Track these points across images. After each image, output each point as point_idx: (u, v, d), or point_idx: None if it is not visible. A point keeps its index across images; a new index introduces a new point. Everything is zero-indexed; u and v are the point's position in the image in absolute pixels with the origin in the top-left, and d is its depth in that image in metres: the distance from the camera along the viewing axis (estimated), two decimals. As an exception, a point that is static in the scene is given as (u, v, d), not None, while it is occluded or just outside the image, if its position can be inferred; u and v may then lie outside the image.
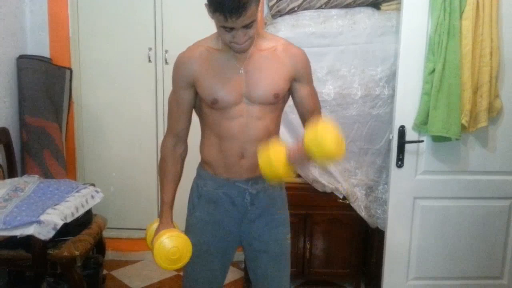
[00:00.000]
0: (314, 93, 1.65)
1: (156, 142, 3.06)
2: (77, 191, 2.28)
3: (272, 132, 1.59)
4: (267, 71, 1.52)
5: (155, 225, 1.62)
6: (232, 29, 1.38)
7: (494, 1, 2.18)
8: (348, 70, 2.50)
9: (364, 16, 2.49)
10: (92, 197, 2.33)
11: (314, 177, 2.54)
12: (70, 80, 2.85)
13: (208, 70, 1.52)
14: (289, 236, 1.70)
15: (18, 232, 1.96)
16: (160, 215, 1.61)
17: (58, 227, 2.00)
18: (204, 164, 1.65)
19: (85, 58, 3.00)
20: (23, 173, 2.65)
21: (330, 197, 2.57)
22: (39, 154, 2.68)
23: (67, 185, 2.33)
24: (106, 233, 2.58)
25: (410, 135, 2.30)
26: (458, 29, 2.16)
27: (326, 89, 2.50)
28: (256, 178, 1.59)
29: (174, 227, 1.59)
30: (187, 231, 1.67)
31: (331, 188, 2.54)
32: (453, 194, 2.40)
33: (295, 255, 2.47)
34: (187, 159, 1.68)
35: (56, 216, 2.02)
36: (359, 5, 2.52)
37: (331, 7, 2.51)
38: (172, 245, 1.48)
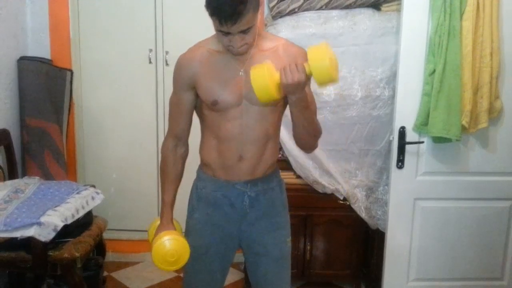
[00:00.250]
0: (311, 93, 1.64)
1: (156, 143, 3.06)
2: (77, 193, 2.28)
3: (271, 135, 1.58)
4: None
5: (157, 223, 1.63)
6: (228, 33, 1.38)
7: (495, 2, 2.18)
8: (349, 71, 2.50)
9: (365, 17, 2.49)
10: (93, 198, 2.33)
11: (314, 178, 2.53)
12: (71, 82, 2.85)
13: (209, 72, 1.52)
14: (289, 239, 1.69)
15: (18, 234, 1.96)
16: (161, 216, 1.62)
17: (59, 228, 2.00)
18: (203, 166, 1.65)
19: (85, 60, 3.00)
20: (24, 174, 2.65)
21: (330, 198, 2.57)
22: (39, 155, 2.68)
23: (68, 186, 2.33)
24: (106, 235, 2.57)
25: (410, 136, 2.30)
26: (458, 30, 2.16)
27: (326, 90, 2.50)
28: (256, 180, 1.59)
29: (174, 227, 1.60)
30: (187, 233, 1.67)
31: (331, 189, 2.54)
32: (453, 195, 2.40)
33: (295, 256, 2.47)
34: (187, 161, 1.68)
35: (56, 218, 2.02)
36: (360, 6, 2.52)
37: (332, 8, 2.51)
38: (170, 247, 1.50)
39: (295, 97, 1.40)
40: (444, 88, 2.18)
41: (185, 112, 1.60)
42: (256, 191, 1.60)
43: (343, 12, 2.51)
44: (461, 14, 2.16)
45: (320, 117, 2.47)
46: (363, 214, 2.56)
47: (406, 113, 2.28)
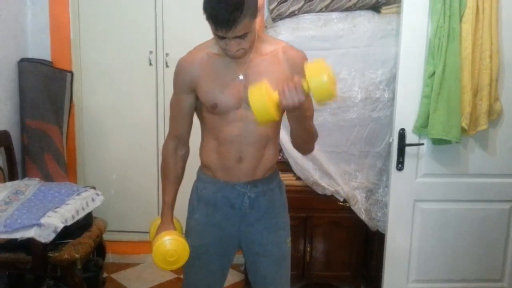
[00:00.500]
0: (309, 97, 1.64)
1: (156, 145, 3.06)
2: (77, 194, 2.28)
3: (271, 137, 1.59)
4: (266, 76, 1.50)
5: (158, 222, 1.65)
6: (224, 37, 1.39)
7: (494, 5, 2.18)
8: (349, 73, 2.50)
9: (364, 19, 2.50)
10: (93, 200, 2.33)
11: (314, 180, 2.54)
12: (71, 83, 2.86)
13: (208, 75, 1.53)
14: (289, 240, 1.70)
15: (18, 235, 1.97)
16: (161, 216, 1.64)
17: (59, 230, 2.01)
18: (203, 167, 1.66)
19: (86, 61, 3.00)
20: (24, 176, 2.65)
21: (330, 199, 2.57)
22: (39, 157, 2.68)
23: (68, 188, 2.33)
24: (106, 236, 2.58)
25: (410, 138, 2.30)
26: (458, 32, 2.16)
27: (326, 92, 2.50)
28: (255, 181, 1.60)
29: (174, 227, 1.61)
30: (187, 233, 1.68)
31: (331, 191, 2.55)
32: (453, 197, 2.40)
33: (295, 257, 2.47)
34: (187, 162, 1.69)
35: (56, 219, 2.02)
36: (359, 8, 2.53)
37: (332, 11, 2.52)
38: (170, 247, 1.52)
39: (295, 114, 1.41)
40: (443, 90, 2.18)
41: (185, 114, 1.61)
42: (256, 192, 1.61)
43: (343, 14, 2.52)
44: (461, 17, 2.17)
45: (320, 119, 2.49)
46: (363, 216, 2.56)
47: (406, 115, 2.28)
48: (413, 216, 2.41)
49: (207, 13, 1.36)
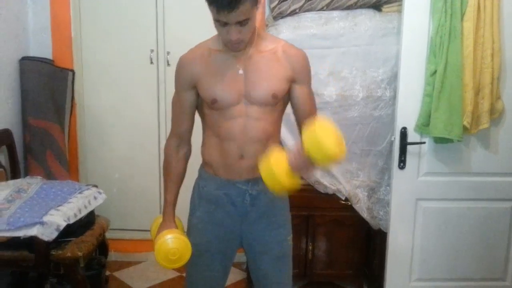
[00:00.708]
0: (311, 96, 1.65)
1: (158, 143, 3.06)
2: (80, 192, 2.28)
3: (272, 134, 1.59)
4: (266, 72, 1.54)
5: (160, 220, 1.66)
6: (226, 24, 1.40)
7: (495, 3, 2.18)
8: (350, 72, 2.50)
9: (366, 18, 2.50)
10: (95, 198, 2.34)
11: (316, 179, 2.54)
12: (73, 82, 2.86)
13: (208, 71, 1.54)
14: (290, 237, 1.70)
15: (21, 233, 1.97)
16: (163, 214, 1.64)
17: (61, 228, 2.01)
18: (205, 164, 1.66)
19: (87, 60, 3.01)
20: (26, 174, 2.66)
21: (332, 198, 2.57)
22: (41, 155, 2.69)
23: (70, 186, 2.34)
24: (108, 234, 2.58)
25: (412, 136, 2.30)
26: (459, 31, 2.16)
27: (327, 91, 2.50)
28: (256, 179, 1.60)
29: (176, 225, 1.62)
30: (189, 231, 1.69)
31: (333, 190, 2.55)
32: (455, 195, 2.40)
33: (297, 256, 2.47)
34: (189, 160, 1.69)
35: (59, 217, 2.03)
36: (361, 7, 2.53)
37: (333, 9, 2.52)
38: (172, 246, 1.53)
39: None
40: (445, 88, 2.18)
41: (187, 112, 1.61)
42: (257, 190, 1.61)
43: (344, 12, 2.52)
44: (462, 15, 2.17)
45: (322, 117, 2.49)
46: (365, 215, 2.56)
47: (407, 113, 2.28)
48: (415, 214, 2.41)
49: None
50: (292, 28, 2.50)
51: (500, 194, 2.41)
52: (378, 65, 2.48)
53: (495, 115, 2.29)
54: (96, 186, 2.45)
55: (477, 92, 2.24)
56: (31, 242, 2.01)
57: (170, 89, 1.65)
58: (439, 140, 2.28)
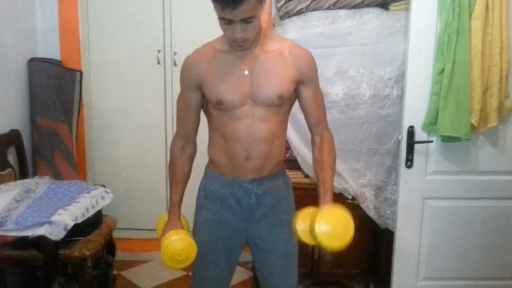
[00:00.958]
0: (319, 96, 1.64)
1: (165, 143, 3.07)
2: (87, 192, 2.30)
3: (278, 134, 1.59)
4: (272, 73, 1.53)
5: (165, 217, 1.67)
6: (230, 22, 1.39)
7: (504, 1, 2.16)
8: (357, 71, 2.49)
9: (373, 17, 2.49)
10: (102, 198, 2.35)
11: (322, 178, 2.53)
12: (80, 82, 2.88)
13: (214, 71, 1.53)
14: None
15: (29, 233, 1.99)
16: (169, 213, 1.65)
17: (69, 227, 2.03)
18: (211, 164, 1.67)
19: (95, 61, 3.03)
20: (34, 174, 2.68)
21: (339, 197, 2.56)
22: (50, 155, 2.71)
23: (78, 186, 2.35)
24: (116, 234, 2.60)
25: (419, 135, 2.29)
26: (467, 29, 2.14)
27: (334, 90, 2.49)
28: (262, 178, 1.60)
29: (182, 225, 1.63)
30: (195, 229, 1.69)
31: (340, 189, 2.54)
32: (462, 194, 2.39)
33: (303, 255, 2.47)
34: (195, 159, 1.70)
35: (67, 217, 2.04)
36: (368, 5, 2.52)
37: (339, 8, 2.51)
38: (178, 247, 1.54)
39: None
40: (453, 87, 2.17)
41: (192, 112, 1.61)
42: (263, 189, 1.61)
43: (351, 11, 2.51)
44: (470, 13, 2.15)
45: (329, 116, 2.44)
46: (372, 214, 2.55)
47: (415, 112, 2.27)
48: (423, 213, 2.39)
49: None
50: (299, 28, 2.50)
51: (508, 192, 2.39)
52: (385, 64, 2.47)
53: (503, 113, 2.28)
54: (103, 185, 2.46)
55: (485, 90, 2.22)
56: (39, 242, 2.03)
57: (177, 89, 1.66)
58: (446, 139, 2.26)
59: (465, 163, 2.35)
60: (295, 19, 2.54)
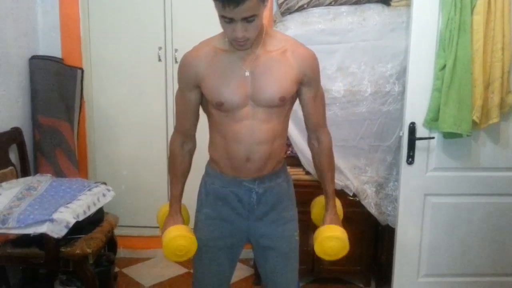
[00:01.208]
0: (320, 96, 1.63)
1: (166, 140, 3.07)
2: (89, 190, 2.30)
3: (279, 134, 1.58)
4: (273, 74, 1.50)
5: (166, 208, 1.72)
6: (231, 20, 1.36)
7: (506, -4, 2.15)
8: (358, 67, 2.49)
9: (374, 13, 2.48)
10: (104, 195, 2.35)
11: (324, 175, 2.53)
12: (82, 80, 2.88)
13: (214, 71, 1.50)
14: (297, 233, 1.70)
15: (31, 230, 1.99)
16: (170, 207, 1.68)
17: (71, 225, 2.03)
18: (212, 162, 1.66)
19: (96, 58, 3.03)
20: (36, 172, 2.68)
21: (340, 194, 2.54)
22: (51, 153, 2.71)
23: (79, 183, 2.36)
24: (117, 231, 2.60)
25: (420, 131, 2.28)
26: (469, 24, 2.13)
27: (336, 86, 2.49)
28: (263, 177, 1.60)
29: (182, 218, 1.67)
30: (196, 227, 1.70)
31: (341, 186, 2.54)
32: (464, 190, 2.38)
33: (304, 252, 2.45)
34: (195, 156, 1.70)
35: (68, 214, 2.05)
36: (369, 1, 2.50)
37: (341, 4, 2.50)
38: (180, 243, 1.57)
39: None
40: (454, 83, 2.16)
41: (191, 110, 1.60)
42: (264, 188, 1.61)
43: (352, 7, 2.50)
44: (472, 9, 2.14)
45: (330, 113, 2.48)
46: (373, 210, 2.55)
47: (416, 108, 2.27)
48: (424, 210, 2.39)
49: None
50: (300, 24, 2.49)
51: (510, 189, 2.38)
52: (386, 60, 2.46)
53: (505, 109, 2.27)
54: (105, 183, 2.46)
55: (487, 86, 2.21)
56: (41, 239, 2.03)
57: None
58: (448, 135, 2.26)
59: (466, 159, 2.35)
60: (296, 15, 2.53)
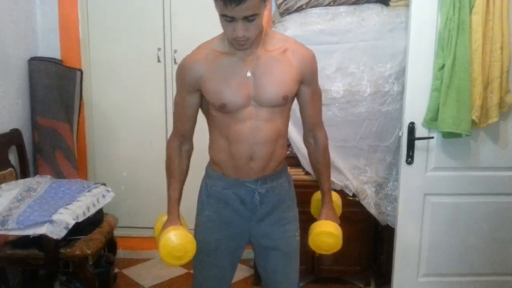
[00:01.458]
0: (317, 95, 1.64)
1: (165, 141, 2.95)
2: (88, 191, 2.30)
3: (282, 134, 1.59)
4: (275, 73, 1.50)
5: (164, 218, 1.64)
6: (232, 19, 1.36)
7: (505, -4, 2.16)
8: (357, 67, 2.49)
9: (373, 13, 2.48)
10: (103, 196, 2.35)
11: (323, 175, 2.53)
12: (81, 81, 2.88)
13: (215, 74, 1.50)
14: (298, 233, 1.70)
15: (31, 232, 1.99)
16: (168, 211, 1.63)
17: (70, 226, 2.03)
18: (213, 164, 1.65)
19: (95, 59, 3.03)
20: (35, 173, 2.68)
21: (339, 194, 2.55)
22: (50, 154, 2.71)
23: (79, 185, 2.36)
24: (117, 232, 2.60)
25: (420, 131, 2.29)
26: (468, 24, 2.14)
27: (335, 87, 2.49)
28: (265, 177, 1.60)
29: (181, 223, 1.60)
30: (197, 229, 1.68)
31: (340, 186, 2.54)
32: (463, 190, 2.38)
33: (304, 252, 2.45)
34: (194, 158, 1.69)
35: (68, 216, 2.05)
36: (368, 1, 2.51)
37: (339, 4, 2.50)
38: (177, 242, 1.50)
39: None
40: (453, 83, 2.16)
41: (190, 114, 1.60)
42: (266, 188, 1.61)
43: (351, 8, 2.50)
44: (471, 8, 2.14)
45: (329, 113, 2.48)
46: (372, 210, 2.55)
47: (415, 108, 2.27)
48: (423, 210, 2.39)
49: None
50: (299, 24, 2.49)
51: (509, 188, 2.39)
52: (385, 60, 2.47)
53: (504, 108, 2.27)
54: (104, 184, 2.46)
55: (486, 86, 2.21)
56: (41, 241, 2.03)
57: (177, 88, 1.65)
58: (447, 135, 2.26)
59: (465, 159, 2.35)
60: (295, 15, 2.54)
